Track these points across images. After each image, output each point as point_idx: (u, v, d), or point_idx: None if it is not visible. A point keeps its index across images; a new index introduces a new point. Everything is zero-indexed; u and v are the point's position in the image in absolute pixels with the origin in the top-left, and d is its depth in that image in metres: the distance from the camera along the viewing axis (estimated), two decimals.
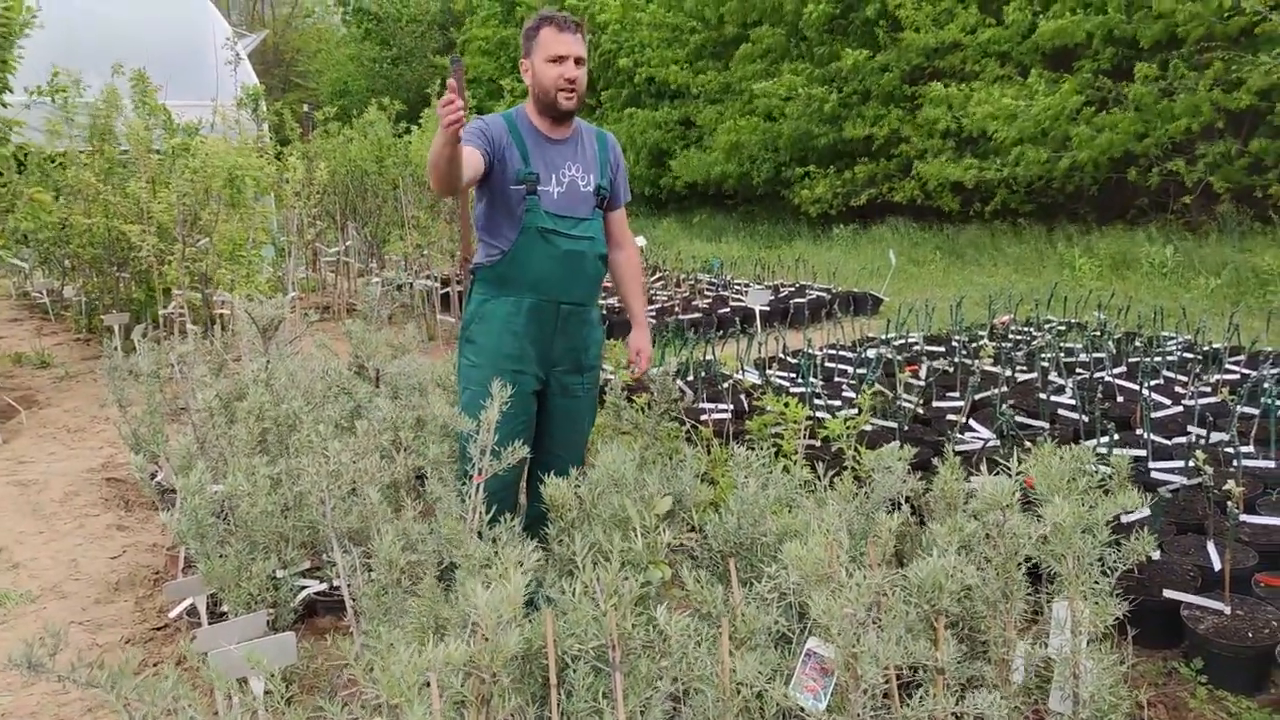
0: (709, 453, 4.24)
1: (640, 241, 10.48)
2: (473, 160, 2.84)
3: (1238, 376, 5.56)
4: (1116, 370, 5.72)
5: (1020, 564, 2.20)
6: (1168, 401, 5.03)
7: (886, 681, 1.99)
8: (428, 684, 1.73)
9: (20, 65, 6.84)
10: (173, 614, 3.42)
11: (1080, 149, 11.88)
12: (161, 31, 11.76)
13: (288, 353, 4.74)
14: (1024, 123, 12.13)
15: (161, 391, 4.57)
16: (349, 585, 2.72)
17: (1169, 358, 5.99)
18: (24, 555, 4.14)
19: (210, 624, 2.86)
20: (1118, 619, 2.18)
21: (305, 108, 12.55)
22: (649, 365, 3.36)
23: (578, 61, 2.95)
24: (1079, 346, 6.46)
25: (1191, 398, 5.02)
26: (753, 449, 2.81)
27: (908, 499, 2.89)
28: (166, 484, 4.19)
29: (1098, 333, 6.86)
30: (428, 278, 9.45)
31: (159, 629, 3.44)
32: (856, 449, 3.65)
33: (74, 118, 8.57)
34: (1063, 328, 7.40)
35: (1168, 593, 3.03)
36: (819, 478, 2.95)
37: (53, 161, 8.56)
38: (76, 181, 7.94)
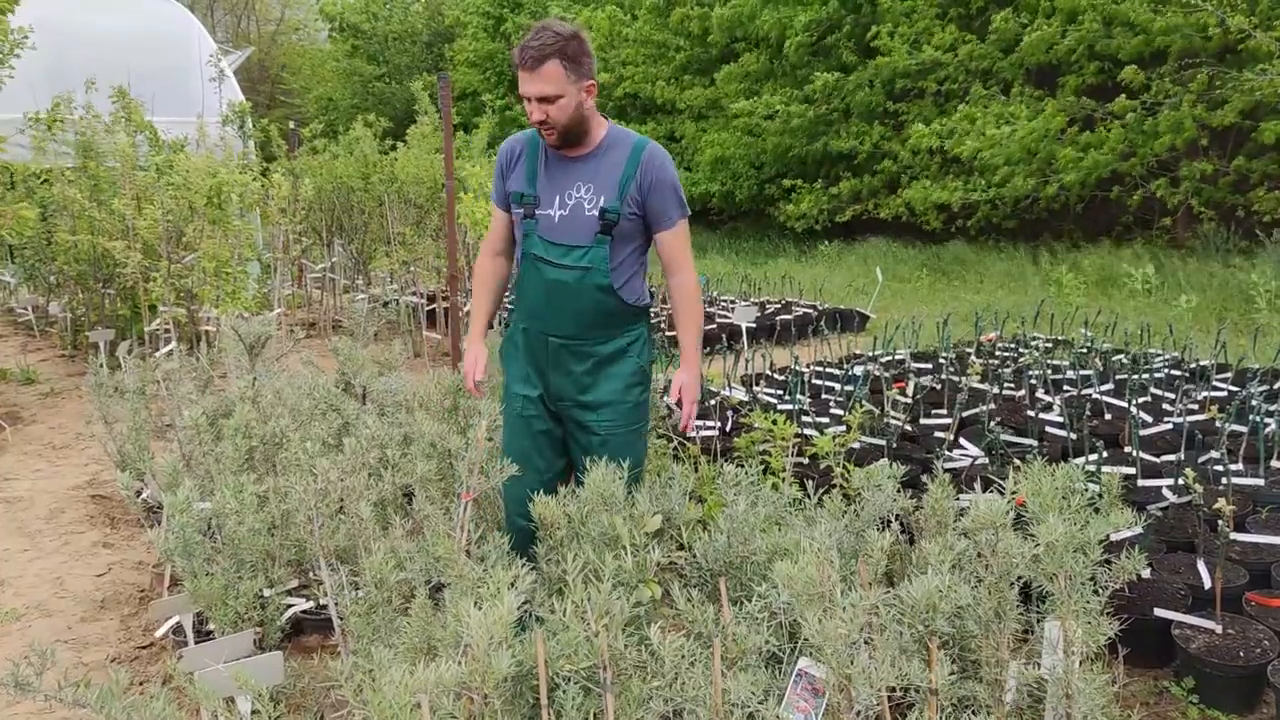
0: (697, 470, 4.23)
1: None
2: (504, 226, 3.08)
3: (1225, 394, 5.59)
4: (1104, 387, 5.75)
5: (1013, 583, 2.20)
6: (1149, 419, 5.05)
7: (879, 703, 1.99)
8: (419, 705, 1.71)
9: (6, 83, 6.79)
10: (159, 633, 3.37)
11: (1066, 172, 11.96)
12: (147, 48, 11.72)
13: (274, 370, 4.72)
14: (1009, 148, 12.24)
15: (147, 408, 4.53)
16: (337, 604, 2.69)
17: (1156, 375, 6.03)
18: (9, 573, 4.08)
19: (196, 642, 2.83)
20: (1109, 638, 2.18)
21: (291, 124, 12.54)
22: (693, 412, 3.00)
23: (542, 99, 2.72)
24: (1066, 363, 6.50)
25: (1180, 415, 5.04)
26: (741, 466, 2.80)
27: (897, 517, 2.89)
28: (152, 501, 4.15)
29: (1085, 349, 6.90)
30: (414, 294, 9.43)
31: (145, 647, 3.40)
32: (845, 467, 3.65)
33: (60, 135, 8.54)
34: (1049, 345, 7.44)
35: (1159, 611, 3.03)
36: (808, 495, 2.95)
37: (38, 178, 8.52)
38: (62, 198, 7.90)
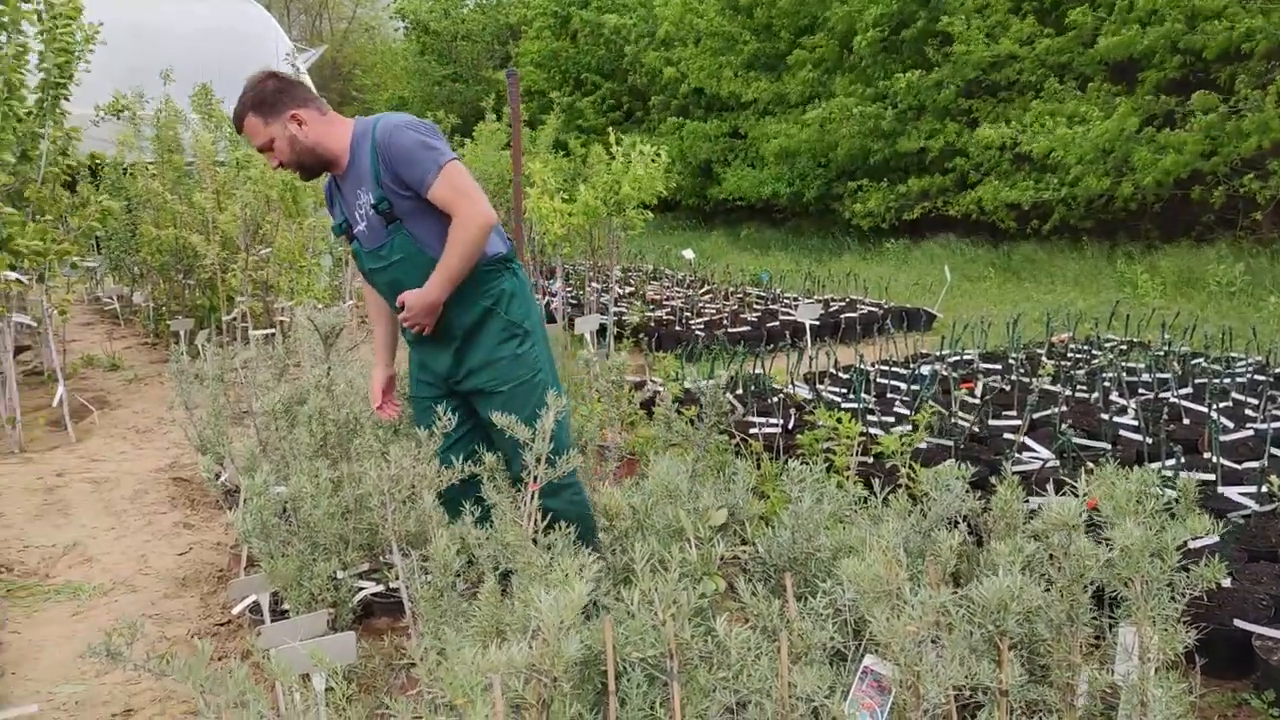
0: (759, 467, 4.22)
1: (688, 254, 10.46)
2: None
3: None
4: (1182, 391, 5.57)
5: (1085, 587, 2.16)
6: (1231, 424, 4.88)
7: (946, 702, 1.97)
8: (489, 686, 1.75)
9: (84, 80, 6.98)
10: (236, 610, 3.50)
11: (1144, 173, 11.58)
12: (226, 46, 12.09)
13: (347, 360, 4.84)
14: (1081, 147, 11.90)
15: (226, 395, 4.69)
16: (408, 588, 2.76)
17: (1238, 379, 5.82)
18: (97, 550, 4.27)
19: (272, 621, 2.93)
20: (1186, 647, 2.12)
21: None
22: (410, 317, 2.94)
23: (262, 150, 2.99)
24: (1142, 366, 6.31)
25: (1264, 421, 4.87)
26: (805, 464, 2.79)
27: (965, 518, 2.85)
28: (230, 484, 4.29)
29: (1162, 352, 6.70)
30: None
31: (223, 624, 3.53)
32: (911, 466, 3.61)
33: (141, 130, 8.86)
34: (1124, 347, 7.24)
35: (1239, 623, 2.94)
36: (873, 494, 2.92)
37: (125, 172, 8.86)
38: (146, 192, 8.20)
